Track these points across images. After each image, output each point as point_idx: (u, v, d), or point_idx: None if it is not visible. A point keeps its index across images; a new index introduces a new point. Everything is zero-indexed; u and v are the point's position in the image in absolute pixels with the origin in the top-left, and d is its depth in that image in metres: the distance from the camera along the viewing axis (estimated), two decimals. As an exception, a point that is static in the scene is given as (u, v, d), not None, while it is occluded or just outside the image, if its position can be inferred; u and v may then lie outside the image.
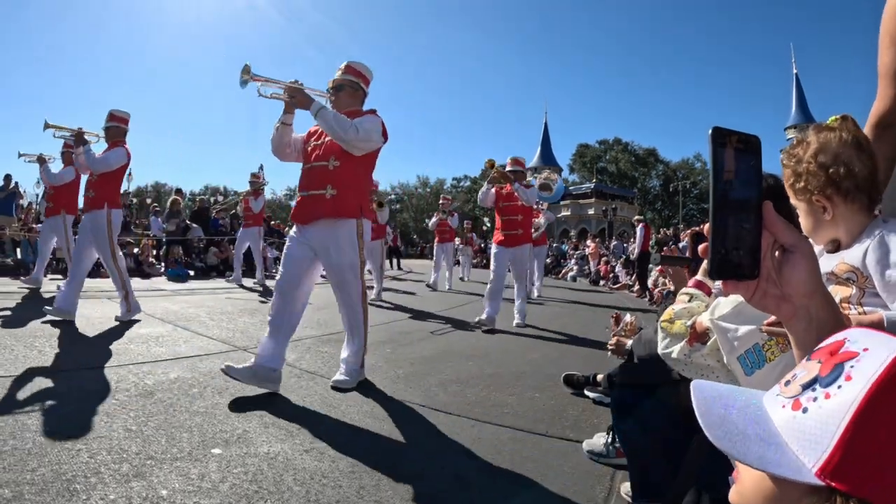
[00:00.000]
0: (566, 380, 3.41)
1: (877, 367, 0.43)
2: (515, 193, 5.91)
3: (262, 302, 7.05)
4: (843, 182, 1.09)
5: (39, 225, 12.48)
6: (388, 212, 8.46)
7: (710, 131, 0.60)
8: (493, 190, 6.04)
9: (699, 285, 1.57)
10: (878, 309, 1.04)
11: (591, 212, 50.08)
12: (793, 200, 1.21)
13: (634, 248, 12.50)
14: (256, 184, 9.76)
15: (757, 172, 0.61)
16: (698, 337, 1.39)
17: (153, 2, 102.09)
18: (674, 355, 1.42)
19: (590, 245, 18.73)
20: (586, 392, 3.28)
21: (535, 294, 9.54)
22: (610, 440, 2.35)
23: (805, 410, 0.46)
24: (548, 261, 20.59)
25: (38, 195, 16.40)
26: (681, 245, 15.10)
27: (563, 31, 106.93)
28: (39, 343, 3.78)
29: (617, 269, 15.09)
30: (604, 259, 16.63)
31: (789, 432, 0.46)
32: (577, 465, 2.31)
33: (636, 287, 12.25)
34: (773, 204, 1.47)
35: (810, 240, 1.20)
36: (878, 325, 0.99)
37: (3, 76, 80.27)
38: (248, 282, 9.65)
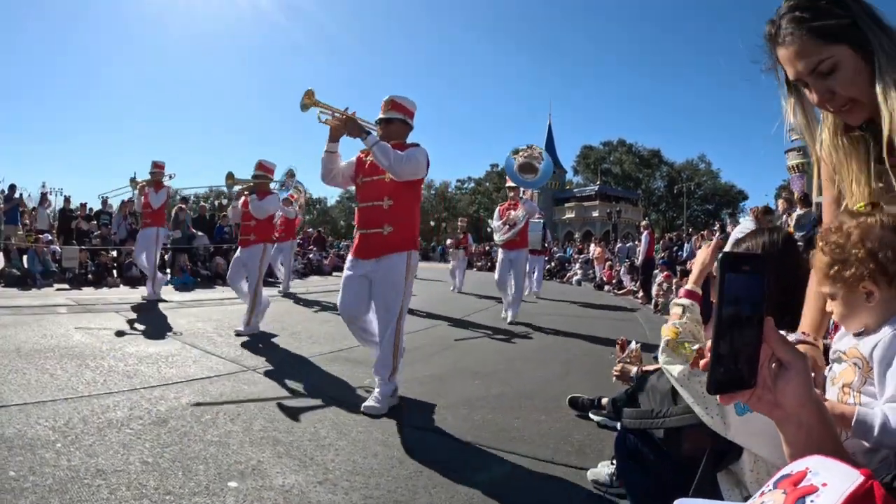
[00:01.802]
0: (571, 402, 3.46)
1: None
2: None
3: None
4: (890, 266, 1.08)
5: (47, 235, 12.66)
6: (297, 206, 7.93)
7: (719, 257, 0.67)
8: (356, 157, 3.68)
9: (690, 294, 1.64)
10: (874, 400, 1.09)
11: (595, 214, 50.16)
12: (825, 288, 1.18)
13: (639, 255, 12.55)
14: (158, 174, 8.26)
15: (761, 291, 0.67)
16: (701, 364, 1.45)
17: (156, 8, 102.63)
18: (675, 374, 1.48)
19: (595, 249, 18.77)
20: (591, 415, 3.32)
21: (509, 317, 7.46)
22: (614, 471, 2.39)
23: None
24: (552, 264, 20.68)
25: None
26: (685, 248, 15.18)
27: (567, 33, 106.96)
28: (51, 365, 3.83)
29: (622, 274, 15.13)
30: (608, 264, 16.67)
31: None
32: (582, 495, 2.36)
33: (641, 293, 12.31)
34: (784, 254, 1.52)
35: (842, 327, 1.22)
36: (849, 417, 1.04)
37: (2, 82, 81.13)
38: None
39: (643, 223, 13.51)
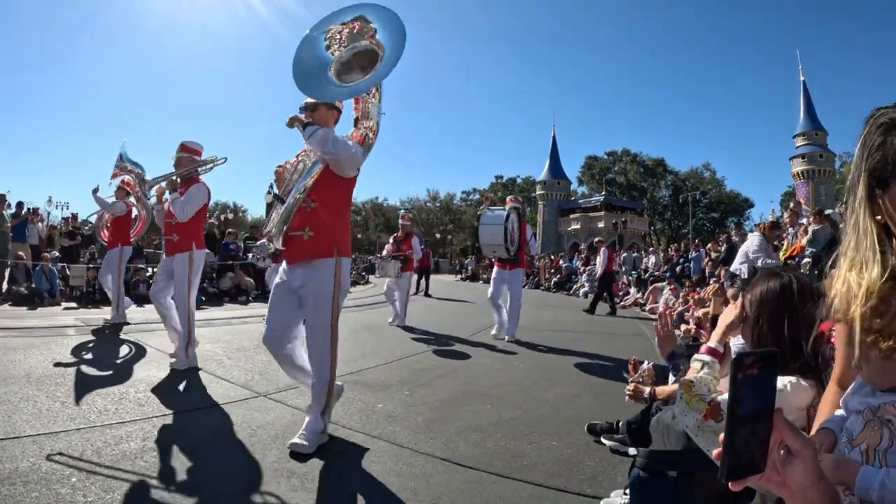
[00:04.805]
0: (589, 429, 3.44)
1: None
2: None
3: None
4: None
5: (55, 252, 12.74)
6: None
7: (732, 360, 0.69)
8: None
9: (712, 352, 1.65)
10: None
11: (600, 225, 50.14)
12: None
13: (597, 269, 13.45)
14: None
15: (773, 385, 0.70)
16: (714, 414, 1.46)
17: (158, 22, 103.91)
18: (689, 425, 1.49)
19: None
20: (603, 440, 3.31)
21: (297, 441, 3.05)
22: (628, 501, 2.38)
23: None
24: (556, 278, 20.61)
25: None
26: (691, 257, 15.12)
27: (570, 43, 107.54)
28: (62, 392, 3.83)
29: (629, 286, 15.15)
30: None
31: None
32: (598, 527, 2.35)
33: (648, 307, 12.35)
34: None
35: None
36: (854, 472, 1.03)
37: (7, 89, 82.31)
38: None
39: (597, 239, 14.41)
